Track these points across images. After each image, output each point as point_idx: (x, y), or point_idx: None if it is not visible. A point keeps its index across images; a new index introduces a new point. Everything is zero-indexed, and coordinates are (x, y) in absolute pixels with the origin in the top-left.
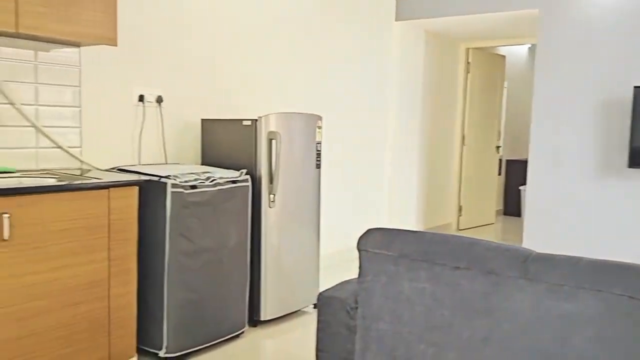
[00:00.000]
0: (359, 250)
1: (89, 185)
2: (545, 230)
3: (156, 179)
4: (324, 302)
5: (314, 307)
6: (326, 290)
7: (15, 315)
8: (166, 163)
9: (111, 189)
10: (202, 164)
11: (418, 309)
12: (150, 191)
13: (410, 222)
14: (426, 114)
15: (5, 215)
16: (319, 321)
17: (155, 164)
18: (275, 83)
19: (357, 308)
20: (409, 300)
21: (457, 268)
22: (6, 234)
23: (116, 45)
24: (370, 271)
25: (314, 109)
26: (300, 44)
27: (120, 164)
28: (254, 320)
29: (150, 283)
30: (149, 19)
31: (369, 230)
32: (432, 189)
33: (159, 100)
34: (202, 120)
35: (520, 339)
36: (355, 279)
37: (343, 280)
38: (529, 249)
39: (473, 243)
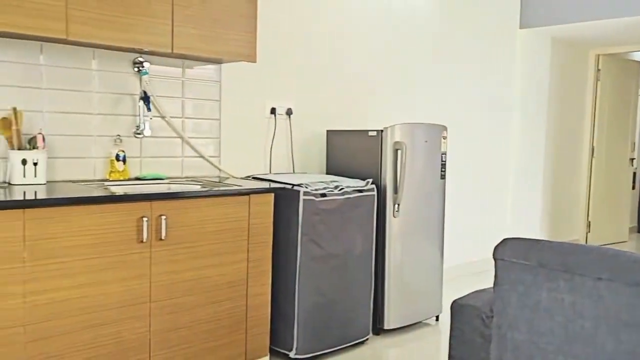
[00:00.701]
0: (496, 259)
1: (233, 192)
2: None
3: (289, 187)
4: (457, 310)
5: (436, 320)
6: (460, 298)
7: (170, 308)
8: (294, 172)
9: (251, 195)
10: (327, 173)
11: (557, 320)
12: (283, 198)
13: (533, 236)
14: (551, 124)
15: (163, 217)
16: (452, 328)
17: (285, 173)
18: (398, 94)
19: (492, 317)
20: (548, 311)
21: (600, 279)
22: (164, 234)
23: (255, 62)
24: (506, 280)
25: (436, 119)
26: (423, 55)
27: (253, 172)
28: (377, 329)
29: (283, 285)
30: (281, 37)
31: (505, 240)
32: (558, 202)
33: (289, 112)
34: (328, 131)
35: None
36: (488, 288)
37: (466, 292)
38: None
39: (616, 254)
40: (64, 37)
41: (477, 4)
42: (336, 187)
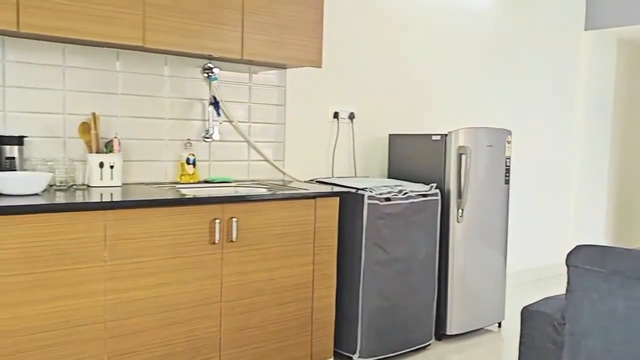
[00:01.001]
0: (568, 266)
1: (300, 195)
2: None
3: (353, 190)
4: (528, 317)
5: (499, 326)
6: (531, 304)
7: (240, 308)
8: (355, 176)
9: (317, 199)
10: (389, 177)
11: (634, 328)
12: (347, 202)
13: (598, 242)
14: (617, 127)
15: (234, 220)
16: (522, 335)
17: (347, 177)
18: (460, 97)
19: (564, 324)
20: (624, 319)
21: None
22: (234, 236)
23: (321, 67)
24: (579, 287)
25: (498, 122)
26: (486, 59)
27: (316, 176)
28: (440, 334)
29: (347, 289)
30: (345, 41)
31: (578, 247)
32: (624, 206)
33: (351, 116)
34: (390, 135)
35: None
36: (558, 295)
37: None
38: None
39: None
40: (140, 44)
41: (541, 5)
42: (400, 191)
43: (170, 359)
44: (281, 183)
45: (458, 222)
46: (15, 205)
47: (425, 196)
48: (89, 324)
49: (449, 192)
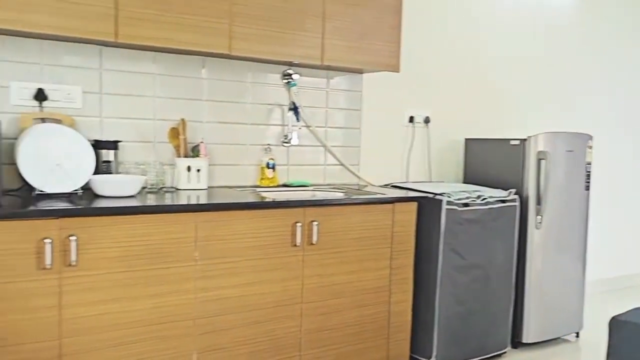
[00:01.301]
0: None
1: (379, 200)
2: None
3: (431, 195)
4: (617, 327)
5: (577, 336)
6: (620, 314)
7: (320, 309)
8: (431, 181)
9: (395, 203)
10: (464, 182)
11: None
12: (424, 207)
13: None
14: None
15: (314, 223)
16: (610, 346)
17: (422, 182)
18: (538, 101)
19: None
20: None
21: None
22: (315, 239)
23: (399, 72)
24: None
25: (576, 127)
26: (566, 61)
27: (390, 180)
28: (516, 342)
29: (423, 293)
30: (421, 45)
31: None
32: None
33: (427, 120)
34: (466, 139)
35: None
36: None
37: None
38: None
39: None
40: (227, 52)
41: (627, 5)
42: (478, 197)
43: (254, 357)
44: (356, 187)
45: (537, 228)
46: (117, 207)
47: (504, 202)
48: (181, 320)
49: (527, 198)
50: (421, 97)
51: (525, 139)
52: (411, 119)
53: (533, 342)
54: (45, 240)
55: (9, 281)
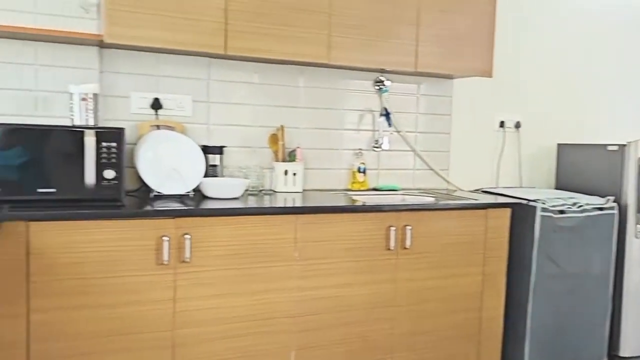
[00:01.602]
0: None
1: (471, 205)
2: None
3: (525, 202)
4: None
5: None
6: None
7: (412, 313)
8: (521, 187)
9: (488, 209)
10: (556, 188)
11: None
12: (517, 213)
13: None
14: None
15: (408, 227)
16: None
17: (513, 187)
18: (636, 105)
19: None
20: None
21: None
22: (408, 243)
23: (491, 77)
24: None
25: None
26: None
27: (479, 185)
28: (612, 355)
29: (515, 301)
30: (513, 50)
31: None
32: None
33: (517, 125)
34: (559, 144)
35: None
36: None
37: None
38: None
39: None
40: (326, 61)
41: None
42: (574, 204)
43: (348, 356)
44: (445, 192)
45: (636, 237)
46: (227, 208)
47: (601, 210)
48: (281, 317)
49: (626, 206)
50: (512, 101)
51: (624, 145)
52: (502, 124)
53: (630, 356)
54: (164, 238)
55: (131, 274)
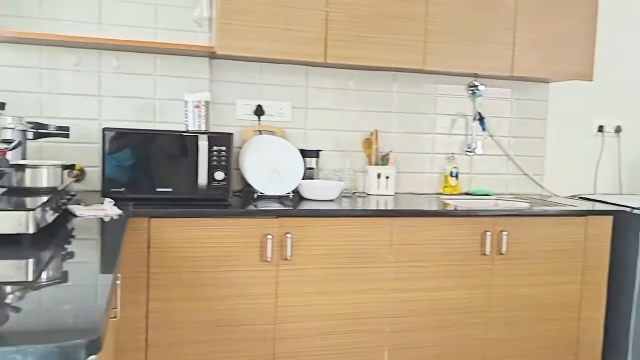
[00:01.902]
0: None
1: (570, 212)
2: None
3: (629, 210)
4: None
5: None
6: None
7: (506, 320)
8: (621, 194)
9: (589, 217)
10: None
11: None
12: (619, 221)
13: None
14: None
15: (504, 233)
16: None
17: (613, 194)
18: None
19: None
20: None
21: None
22: (504, 249)
23: (592, 81)
24: None
25: None
26: None
27: (575, 191)
28: None
29: (616, 313)
30: (613, 52)
31: None
32: None
33: (618, 130)
34: None
35: None
36: None
37: None
38: None
39: None
40: (422, 67)
41: None
42: None
43: (440, 359)
44: (539, 198)
45: None
46: (327, 210)
47: None
48: (375, 317)
49: None
50: (611, 105)
51: None
52: (600, 129)
53: None
54: (268, 237)
55: (237, 270)
